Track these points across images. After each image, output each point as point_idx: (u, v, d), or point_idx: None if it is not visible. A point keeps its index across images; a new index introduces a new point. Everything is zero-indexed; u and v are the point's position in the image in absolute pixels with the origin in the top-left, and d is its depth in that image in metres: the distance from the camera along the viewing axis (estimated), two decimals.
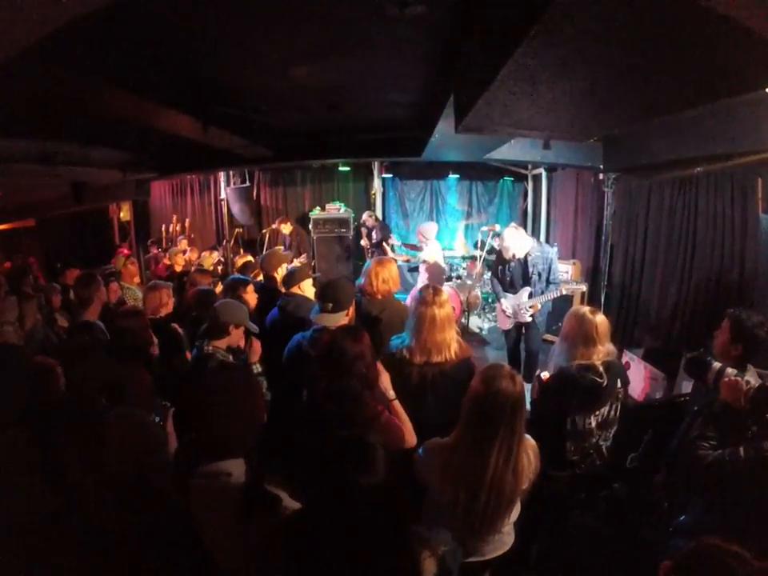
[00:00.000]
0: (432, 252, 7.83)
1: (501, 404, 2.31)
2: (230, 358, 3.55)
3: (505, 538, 2.64)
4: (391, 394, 2.90)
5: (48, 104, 3.58)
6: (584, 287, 6.06)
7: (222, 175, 11.50)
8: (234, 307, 3.68)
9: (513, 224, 6.26)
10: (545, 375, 3.51)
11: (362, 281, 4.26)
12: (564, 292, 5.82)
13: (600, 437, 3.34)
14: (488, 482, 2.33)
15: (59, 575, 1.94)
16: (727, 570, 1.36)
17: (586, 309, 3.36)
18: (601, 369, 3.17)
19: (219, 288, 5.28)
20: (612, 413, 3.34)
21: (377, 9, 2.53)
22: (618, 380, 3.30)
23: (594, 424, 3.29)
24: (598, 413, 3.29)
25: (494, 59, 2.39)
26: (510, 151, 6.27)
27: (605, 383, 3.16)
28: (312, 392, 2.78)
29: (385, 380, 2.90)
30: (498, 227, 7.90)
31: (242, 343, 3.68)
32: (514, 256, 5.87)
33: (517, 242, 5.79)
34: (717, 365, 3.20)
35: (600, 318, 3.26)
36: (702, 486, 2.70)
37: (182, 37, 2.92)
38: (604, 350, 3.24)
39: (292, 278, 4.53)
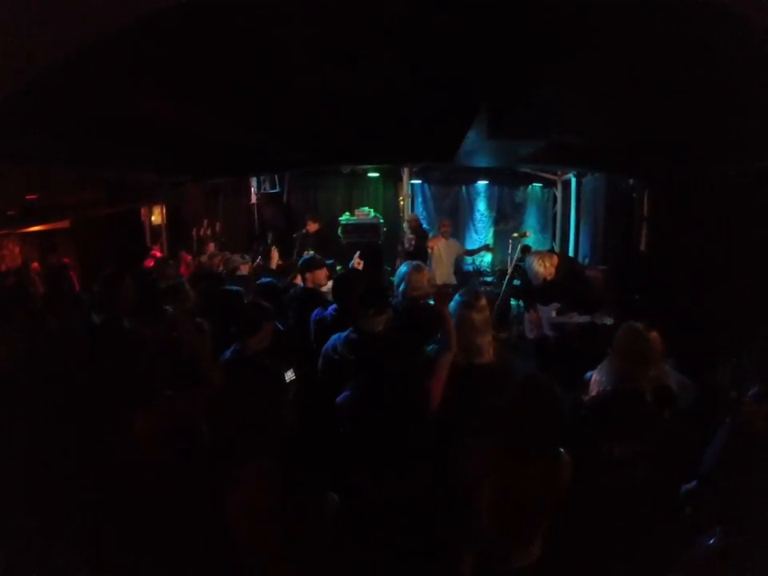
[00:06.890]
0: None
1: (551, 417, 2.30)
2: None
3: (532, 549, 2.56)
4: None
5: (88, 107, 3.64)
6: (612, 320, 5.92)
7: (252, 180, 11.65)
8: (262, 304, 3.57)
9: (542, 251, 6.13)
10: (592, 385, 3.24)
11: (401, 286, 4.10)
12: (597, 322, 5.69)
13: (643, 468, 2.90)
14: (536, 493, 2.30)
15: None
16: None
17: (639, 324, 3.10)
18: (647, 393, 2.92)
19: None
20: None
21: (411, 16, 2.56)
22: (666, 406, 3.00)
23: (635, 454, 2.89)
24: (641, 441, 2.90)
25: (530, 68, 2.41)
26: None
27: (650, 408, 2.91)
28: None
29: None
30: (529, 234, 7.79)
31: None
32: (544, 279, 5.79)
33: (547, 267, 5.70)
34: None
35: (653, 335, 3.02)
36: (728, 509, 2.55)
37: (229, 41, 2.99)
38: (656, 371, 3.00)
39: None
